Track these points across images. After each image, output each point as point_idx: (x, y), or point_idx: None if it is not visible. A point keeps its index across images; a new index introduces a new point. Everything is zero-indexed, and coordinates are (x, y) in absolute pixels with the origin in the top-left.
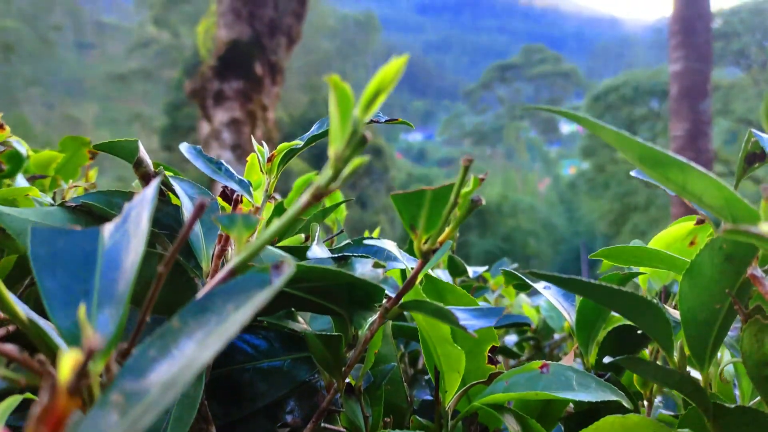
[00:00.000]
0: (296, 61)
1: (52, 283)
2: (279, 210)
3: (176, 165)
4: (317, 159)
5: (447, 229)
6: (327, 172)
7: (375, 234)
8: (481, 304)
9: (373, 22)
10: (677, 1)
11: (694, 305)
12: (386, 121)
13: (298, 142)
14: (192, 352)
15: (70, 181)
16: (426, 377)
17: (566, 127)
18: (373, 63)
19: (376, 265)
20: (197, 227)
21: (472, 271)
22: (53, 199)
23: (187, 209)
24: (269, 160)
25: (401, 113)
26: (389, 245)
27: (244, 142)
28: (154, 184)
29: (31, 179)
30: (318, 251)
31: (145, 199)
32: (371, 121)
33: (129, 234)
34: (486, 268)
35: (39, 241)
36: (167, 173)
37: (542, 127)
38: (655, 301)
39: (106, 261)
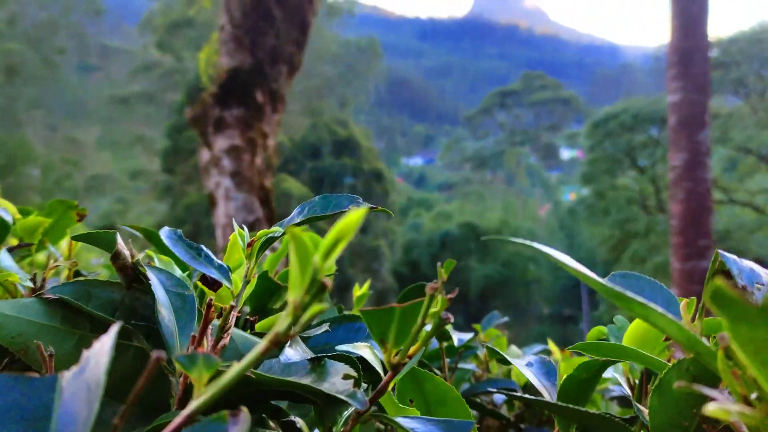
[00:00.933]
0: (298, 86)
1: None
2: (263, 279)
3: (177, 187)
4: (317, 183)
5: (416, 344)
6: (286, 319)
7: (364, 288)
8: (469, 367)
9: (375, 48)
10: (675, 32)
11: (663, 422)
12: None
13: (277, 229)
14: None
15: (51, 261)
16: None
17: (566, 153)
18: (374, 88)
19: (346, 377)
20: (171, 324)
21: (456, 339)
22: (33, 280)
23: (163, 304)
24: (249, 245)
25: (402, 137)
26: (364, 351)
27: (244, 169)
28: (112, 333)
29: (17, 248)
30: (291, 354)
31: (103, 349)
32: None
33: (85, 387)
34: (470, 335)
35: None
36: (150, 252)
37: (542, 152)
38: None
39: (61, 414)
